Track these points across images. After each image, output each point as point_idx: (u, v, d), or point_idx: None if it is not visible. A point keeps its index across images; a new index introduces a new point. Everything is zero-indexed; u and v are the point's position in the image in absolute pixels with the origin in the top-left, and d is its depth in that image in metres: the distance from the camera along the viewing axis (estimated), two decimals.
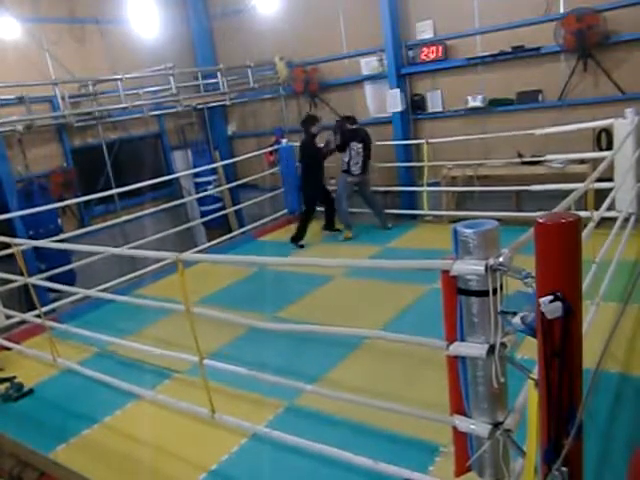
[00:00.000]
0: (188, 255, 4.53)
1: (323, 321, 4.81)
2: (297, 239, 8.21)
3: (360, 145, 8.08)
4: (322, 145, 8.22)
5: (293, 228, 8.53)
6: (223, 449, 3.69)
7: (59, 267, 6.85)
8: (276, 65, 9.92)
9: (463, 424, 2.50)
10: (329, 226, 8.64)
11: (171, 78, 9.00)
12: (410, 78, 9.00)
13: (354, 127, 8.22)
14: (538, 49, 7.62)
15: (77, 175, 8.76)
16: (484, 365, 2.37)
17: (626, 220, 5.76)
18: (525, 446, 2.25)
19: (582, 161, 7.29)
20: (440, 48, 8.42)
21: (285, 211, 9.34)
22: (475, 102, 8.31)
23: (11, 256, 5.30)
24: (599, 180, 4.65)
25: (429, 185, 8.30)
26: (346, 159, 8.12)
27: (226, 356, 4.57)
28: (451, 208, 8.39)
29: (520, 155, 7.79)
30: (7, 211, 7.12)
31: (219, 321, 4.01)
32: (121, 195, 8.23)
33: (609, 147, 6.99)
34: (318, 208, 8.47)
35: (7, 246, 5.29)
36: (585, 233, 3.84)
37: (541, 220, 1.93)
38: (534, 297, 1.99)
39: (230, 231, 9.78)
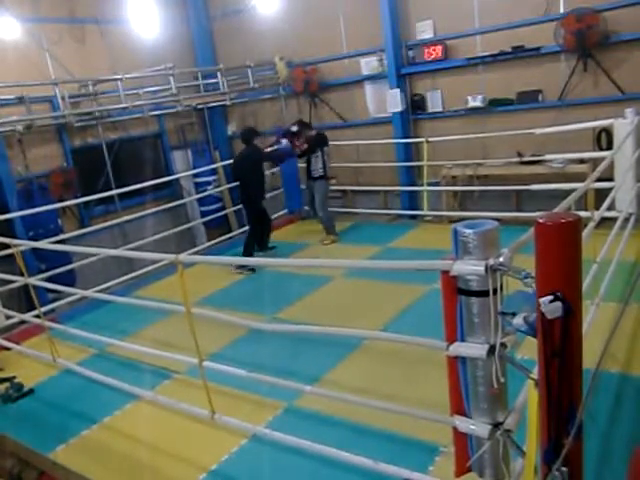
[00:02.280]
0: (187, 257, 4.54)
1: (323, 322, 4.80)
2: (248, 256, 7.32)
3: (327, 149, 8.13)
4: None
5: (292, 228, 8.54)
6: (223, 449, 3.69)
7: (59, 267, 6.85)
8: (276, 65, 9.93)
9: (463, 424, 2.49)
10: (265, 245, 7.96)
11: (171, 78, 9.00)
12: (410, 78, 9.00)
13: (318, 132, 8.22)
14: (538, 49, 7.63)
15: (77, 175, 8.76)
16: (484, 365, 2.37)
17: (626, 220, 5.75)
18: (525, 446, 2.24)
19: (582, 161, 7.29)
20: (440, 48, 8.42)
21: (285, 211, 9.34)
22: (475, 102, 8.31)
23: (11, 256, 5.30)
24: (599, 180, 4.65)
25: (429, 185, 8.30)
26: (320, 165, 8.02)
27: (225, 357, 4.57)
28: (451, 208, 8.39)
29: (520, 155, 7.79)
30: (7, 211, 7.12)
31: (218, 322, 4.01)
32: (121, 195, 8.23)
33: (609, 147, 6.99)
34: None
35: (7, 246, 5.29)
36: (585, 233, 3.83)
37: (541, 220, 1.93)
38: (534, 297, 1.99)
39: (230, 231, 9.77)
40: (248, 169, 7.50)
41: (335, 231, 8.22)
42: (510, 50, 7.83)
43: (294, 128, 8.14)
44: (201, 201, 10.06)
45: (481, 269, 2.22)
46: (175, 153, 10.72)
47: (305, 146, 8.05)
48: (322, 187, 8.13)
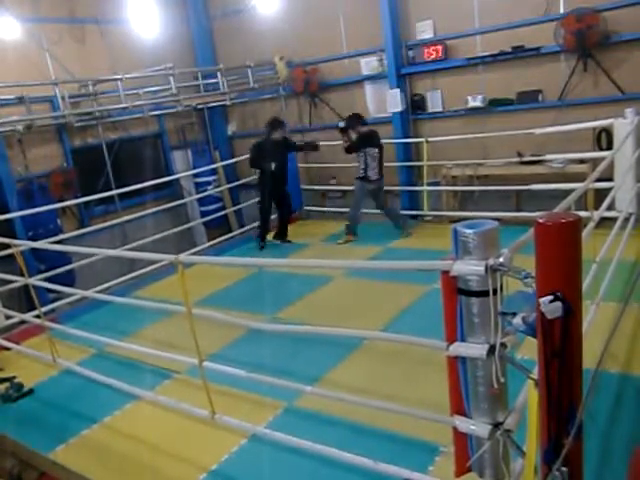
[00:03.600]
0: (187, 257, 4.54)
1: (323, 322, 4.81)
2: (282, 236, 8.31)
3: (376, 150, 7.72)
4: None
5: (292, 228, 8.53)
6: (223, 449, 3.69)
7: (59, 267, 6.85)
8: (276, 65, 9.92)
9: (463, 424, 2.49)
10: (281, 236, 8.44)
11: (171, 78, 9.00)
12: (410, 78, 9.00)
13: (367, 130, 7.83)
14: (538, 49, 7.62)
15: (77, 175, 8.75)
16: (484, 365, 2.37)
17: (626, 220, 5.76)
18: (525, 446, 2.24)
19: (582, 161, 7.29)
20: (440, 48, 8.42)
21: None
22: (475, 102, 8.30)
23: (11, 256, 5.30)
24: (599, 180, 4.65)
25: (429, 185, 8.31)
26: (362, 166, 7.71)
27: (225, 357, 4.57)
28: (451, 208, 8.39)
29: (520, 155, 7.79)
30: (7, 211, 7.12)
31: (219, 322, 4.01)
32: (121, 195, 8.23)
33: (609, 147, 6.99)
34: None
35: (7, 246, 5.29)
36: (585, 233, 3.83)
37: (541, 220, 1.93)
38: (534, 297, 1.99)
39: (230, 231, 9.78)
40: (281, 157, 8.04)
41: (354, 232, 7.97)
42: (510, 50, 7.83)
43: (341, 124, 7.97)
44: (201, 201, 10.06)
45: (481, 269, 2.22)
46: (175, 153, 10.72)
47: (347, 144, 7.78)
48: (355, 187, 7.95)
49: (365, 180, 7.78)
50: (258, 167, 8.09)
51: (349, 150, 7.80)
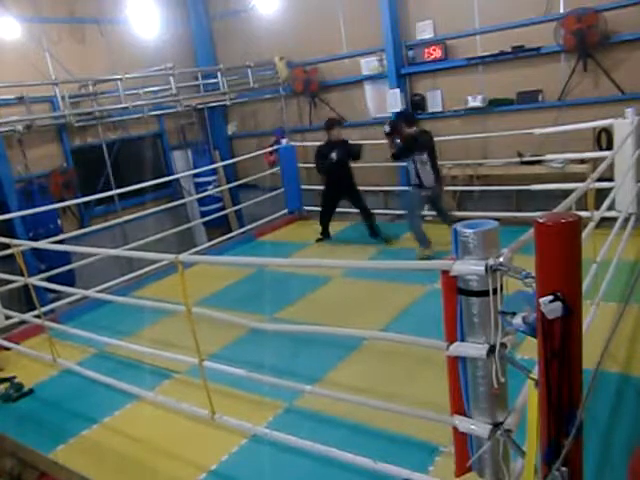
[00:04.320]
0: (187, 256, 4.54)
1: (322, 322, 4.80)
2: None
3: (424, 155, 6.67)
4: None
5: (292, 228, 8.53)
6: (223, 449, 3.69)
7: (59, 267, 6.85)
8: (276, 65, 9.93)
9: (463, 424, 2.49)
10: (375, 235, 7.78)
11: (171, 78, 9.01)
12: (410, 78, 9.01)
13: (414, 132, 6.78)
14: (538, 49, 7.63)
15: (77, 175, 8.76)
16: (484, 365, 2.37)
17: (626, 220, 5.76)
18: (525, 446, 2.24)
19: (582, 161, 7.29)
20: (440, 48, 8.43)
21: (285, 211, 9.34)
22: (475, 102, 8.31)
23: (11, 256, 5.30)
24: (599, 180, 4.65)
25: None
26: (413, 173, 6.76)
27: (226, 357, 4.57)
28: (451, 208, 8.38)
29: (520, 155, 7.79)
30: (7, 211, 7.12)
31: (219, 322, 4.00)
32: (121, 195, 8.23)
33: (609, 147, 6.99)
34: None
35: (7, 246, 5.29)
36: (585, 233, 3.83)
37: (541, 220, 1.93)
38: (534, 297, 1.99)
39: (230, 231, 9.78)
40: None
41: (425, 243, 6.79)
42: (510, 50, 7.84)
43: (386, 128, 6.92)
44: (201, 201, 10.06)
45: (481, 269, 2.22)
46: (175, 153, 10.73)
47: (393, 150, 6.87)
48: (410, 194, 7.00)
49: (420, 187, 6.82)
50: (320, 167, 7.67)
51: (394, 157, 7.00)
